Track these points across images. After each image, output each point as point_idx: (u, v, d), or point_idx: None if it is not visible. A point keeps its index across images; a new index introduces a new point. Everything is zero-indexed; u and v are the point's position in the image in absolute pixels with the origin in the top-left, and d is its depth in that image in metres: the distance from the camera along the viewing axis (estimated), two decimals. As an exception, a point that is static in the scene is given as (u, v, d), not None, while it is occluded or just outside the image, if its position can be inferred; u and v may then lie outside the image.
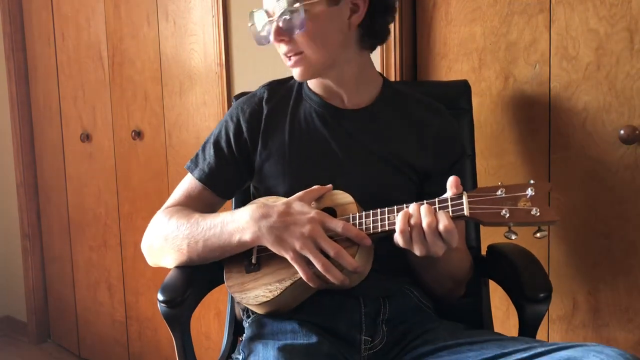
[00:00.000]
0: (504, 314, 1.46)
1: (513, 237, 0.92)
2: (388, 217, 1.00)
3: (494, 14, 1.43)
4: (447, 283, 1.16)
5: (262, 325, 1.09)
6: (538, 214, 0.90)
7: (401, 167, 1.17)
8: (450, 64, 1.52)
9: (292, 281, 1.03)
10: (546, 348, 0.90)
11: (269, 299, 1.04)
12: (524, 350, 0.91)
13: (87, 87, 2.56)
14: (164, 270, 1.22)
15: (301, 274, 1.00)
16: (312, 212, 1.00)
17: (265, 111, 1.22)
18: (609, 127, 1.29)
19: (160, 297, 1.10)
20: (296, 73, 1.16)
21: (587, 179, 1.34)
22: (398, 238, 0.97)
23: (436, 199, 0.97)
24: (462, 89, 1.41)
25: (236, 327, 1.34)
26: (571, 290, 1.39)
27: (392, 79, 1.55)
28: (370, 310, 1.10)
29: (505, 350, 0.93)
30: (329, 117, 1.20)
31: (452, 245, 0.94)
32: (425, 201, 0.97)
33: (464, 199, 0.94)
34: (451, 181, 0.98)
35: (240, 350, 1.10)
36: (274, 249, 1.02)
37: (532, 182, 0.93)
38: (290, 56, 1.14)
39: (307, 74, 1.16)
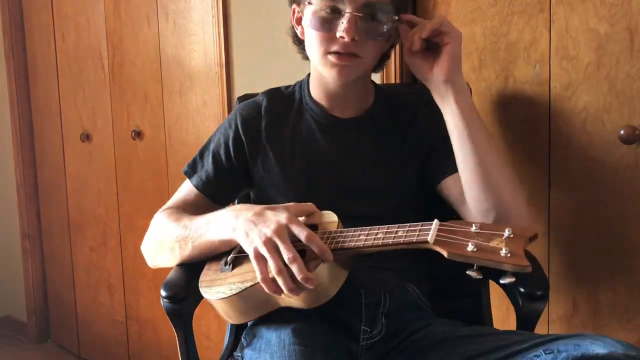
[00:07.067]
0: (503, 314, 1.46)
1: (474, 275, 0.84)
2: (359, 235, 0.96)
3: (494, 14, 1.43)
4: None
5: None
6: (508, 255, 0.81)
7: (398, 172, 1.19)
8: (450, 64, 1.52)
9: (252, 283, 1.00)
10: (545, 338, 0.92)
11: (226, 295, 1.02)
12: (523, 341, 0.93)
13: (87, 87, 2.56)
14: (164, 270, 1.23)
15: (257, 273, 0.97)
16: (283, 216, 0.98)
17: (264, 120, 1.22)
18: (609, 127, 1.29)
19: (163, 293, 1.13)
20: (342, 72, 1.11)
21: (587, 179, 1.34)
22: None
23: (408, 224, 0.93)
24: None
25: (238, 327, 1.34)
26: (571, 290, 1.39)
27: (392, 78, 1.55)
28: (371, 302, 1.11)
29: (505, 342, 0.95)
30: (329, 127, 1.21)
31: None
32: (398, 225, 0.94)
33: (433, 226, 0.90)
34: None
35: (243, 338, 1.12)
36: (242, 245, 1.01)
37: (514, 226, 0.87)
38: (342, 54, 1.10)
39: (352, 76, 1.13)
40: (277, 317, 1.05)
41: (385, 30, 1.11)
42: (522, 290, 1.11)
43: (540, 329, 1.17)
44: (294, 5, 1.20)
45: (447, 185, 1.17)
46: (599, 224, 1.33)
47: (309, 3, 1.12)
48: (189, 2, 2.05)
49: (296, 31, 1.22)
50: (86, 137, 2.59)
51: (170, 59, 2.16)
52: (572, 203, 1.36)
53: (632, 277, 1.31)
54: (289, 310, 1.04)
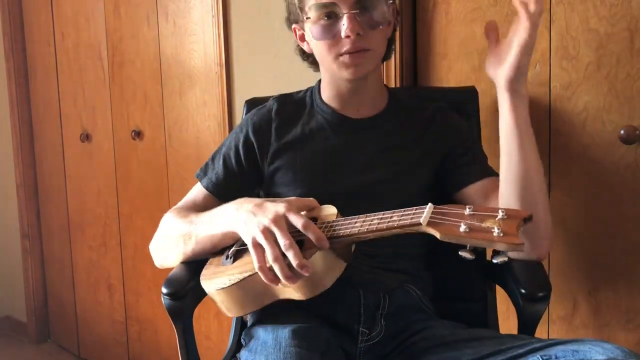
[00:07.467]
0: (504, 314, 1.45)
1: (467, 256, 0.83)
2: (355, 222, 0.97)
3: (494, 14, 1.43)
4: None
5: (263, 313, 1.11)
6: (501, 234, 0.80)
7: (407, 172, 1.20)
8: (451, 63, 1.52)
9: (250, 273, 1.01)
10: (543, 343, 0.91)
11: (225, 285, 1.03)
12: (521, 346, 0.92)
13: (87, 87, 2.56)
14: (164, 270, 1.23)
15: (254, 262, 0.97)
16: (282, 206, 0.99)
17: (275, 122, 1.24)
18: (609, 127, 1.29)
19: (164, 289, 1.14)
20: (357, 70, 1.14)
21: (587, 179, 1.34)
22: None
23: (403, 209, 0.93)
24: (470, 95, 1.42)
25: (242, 327, 1.34)
26: (571, 290, 1.39)
27: (392, 79, 1.55)
28: (370, 303, 1.11)
29: (502, 347, 0.94)
30: (340, 127, 1.22)
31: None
32: (393, 211, 0.94)
33: (427, 209, 0.90)
34: None
35: (242, 339, 1.12)
36: (241, 234, 1.02)
37: (508, 208, 0.88)
38: (352, 52, 1.12)
39: (368, 69, 1.15)
40: (275, 318, 1.05)
41: (384, 15, 1.13)
42: (523, 291, 1.10)
43: (541, 329, 1.17)
44: (294, 25, 1.23)
45: (468, 193, 1.18)
46: (599, 224, 1.33)
47: (307, 18, 1.14)
48: (189, 2, 2.05)
49: (303, 48, 1.25)
50: (86, 137, 2.59)
51: (170, 59, 2.16)
52: (572, 203, 1.36)
53: (632, 277, 1.31)
54: (287, 311, 1.04)
